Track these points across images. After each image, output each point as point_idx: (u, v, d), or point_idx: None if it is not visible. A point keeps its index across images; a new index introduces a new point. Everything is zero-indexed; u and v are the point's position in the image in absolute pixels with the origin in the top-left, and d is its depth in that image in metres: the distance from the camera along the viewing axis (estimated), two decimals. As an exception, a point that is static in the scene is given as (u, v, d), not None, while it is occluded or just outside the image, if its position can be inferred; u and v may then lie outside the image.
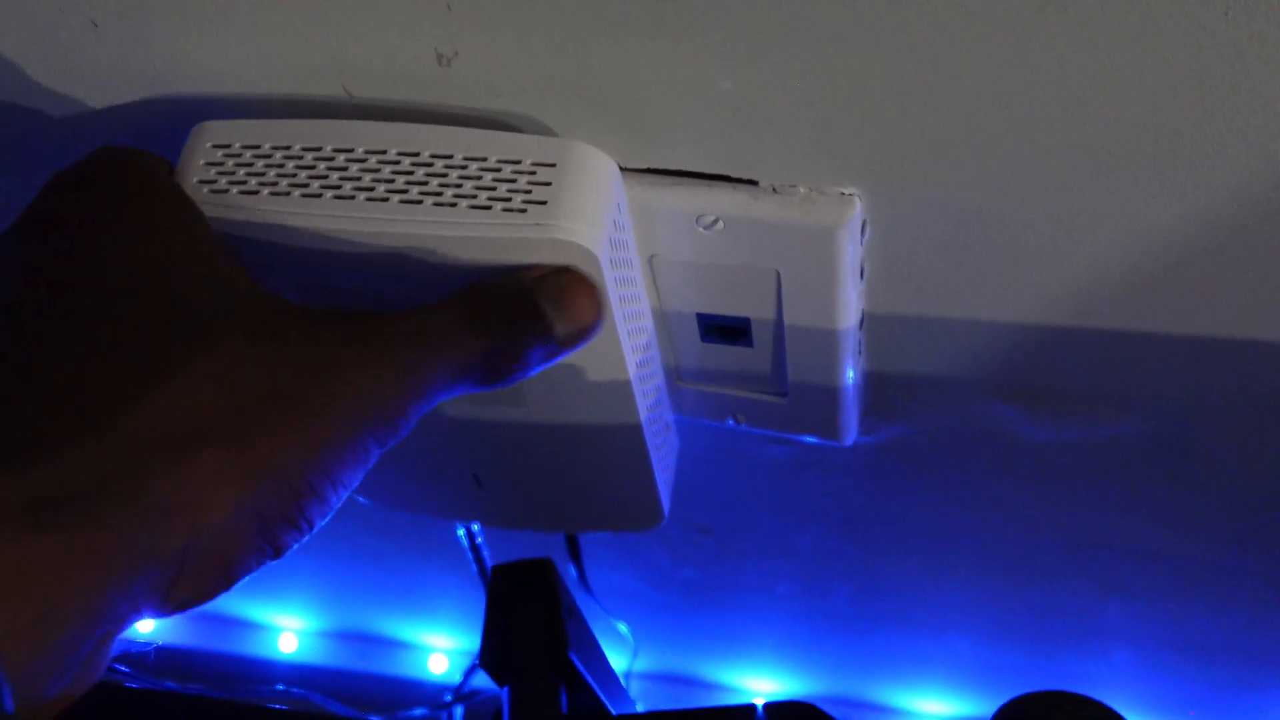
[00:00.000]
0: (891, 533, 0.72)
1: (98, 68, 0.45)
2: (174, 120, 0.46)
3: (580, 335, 0.40)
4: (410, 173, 0.42)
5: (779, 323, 0.51)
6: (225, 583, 0.31)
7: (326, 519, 0.33)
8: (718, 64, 0.40)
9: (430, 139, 0.42)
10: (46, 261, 0.33)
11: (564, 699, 0.33)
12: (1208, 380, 0.51)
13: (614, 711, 0.35)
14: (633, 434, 0.51)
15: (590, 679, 0.34)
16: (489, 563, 0.75)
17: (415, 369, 0.34)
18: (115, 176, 0.36)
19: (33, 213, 0.34)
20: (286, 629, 1.14)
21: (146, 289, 0.33)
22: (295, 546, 0.33)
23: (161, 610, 0.31)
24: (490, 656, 0.35)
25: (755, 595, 0.87)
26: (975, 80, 0.38)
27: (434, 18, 0.41)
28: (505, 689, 0.34)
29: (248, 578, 0.32)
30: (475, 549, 0.70)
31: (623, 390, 0.48)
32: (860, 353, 0.53)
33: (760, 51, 0.39)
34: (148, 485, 0.29)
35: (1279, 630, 0.73)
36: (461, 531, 0.72)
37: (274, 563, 0.33)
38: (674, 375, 0.57)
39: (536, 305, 0.38)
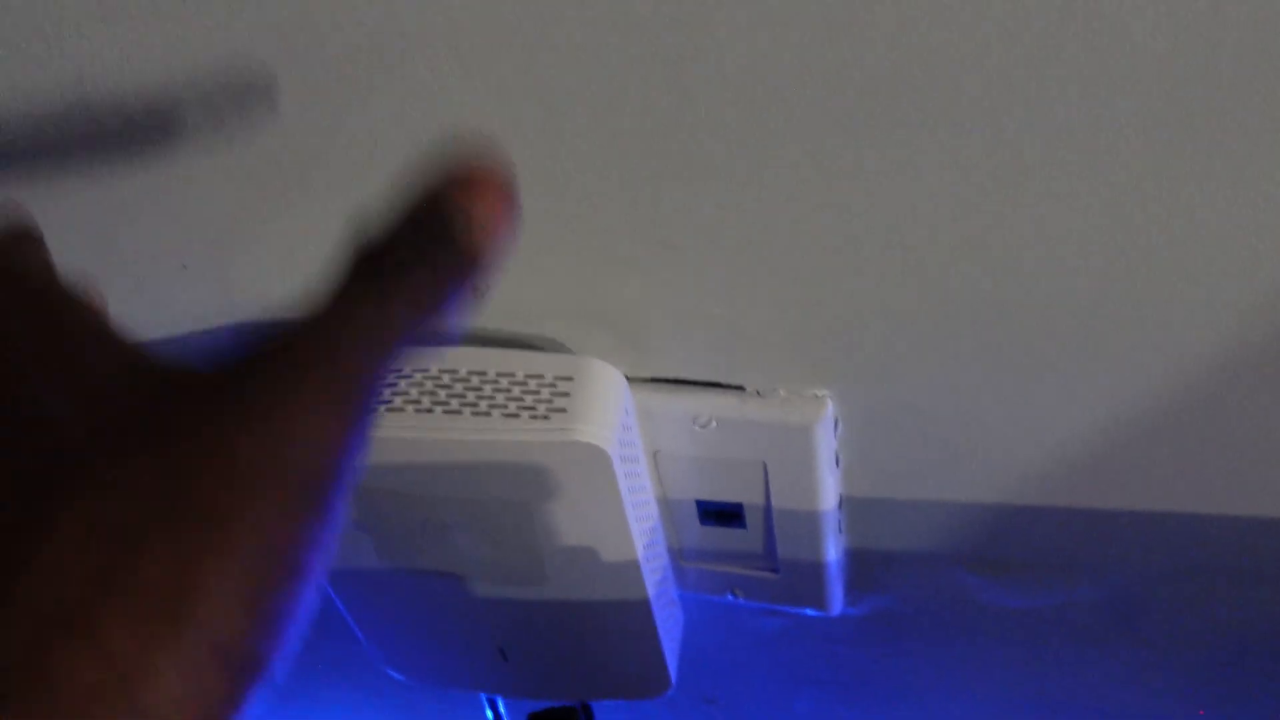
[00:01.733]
0: (881, 695, 0.77)
1: (186, 301, 0.53)
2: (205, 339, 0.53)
3: (498, 222, 0.30)
4: (450, 387, 0.49)
5: (768, 507, 0.58)
6: None
7: (311, 599, 0.27)
8: (707, 294, 0.48)
9: (467, 359, 0.50)
10: None
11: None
12: (1150, 549, 0.57)
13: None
14: (642, 609, 0.58)
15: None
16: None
17: (330, 386, 0.27)
18: None
19: None
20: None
21: (17, 428, 0.26)
22: (289, 646, 0.27)
23: None
24: None
25: (759, 761, 0.92)
26: (926, 300, 0.46)
27: (470, 259, 0.49)
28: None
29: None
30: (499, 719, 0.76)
31: (632, 570, 0.55)
32: (841, 531, 0.60)
33: (741, 284, 0.47)
34: (58, 678, 0.23)
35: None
36: (488, 711, 0.78)
37: None
38: (677, 555, 0.64)
39: (433, 227, 0.29)
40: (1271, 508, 0.53)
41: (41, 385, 0.27)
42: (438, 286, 0.28)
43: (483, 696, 0.77)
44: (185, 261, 0.52)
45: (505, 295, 0.50)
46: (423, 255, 0.29)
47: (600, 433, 0.48)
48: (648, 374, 0.53)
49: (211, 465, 0.25)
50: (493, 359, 0.50)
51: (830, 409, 0.52)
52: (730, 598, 0.65)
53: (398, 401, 0.49)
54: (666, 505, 0.60)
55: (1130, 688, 0.70)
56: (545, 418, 0.48)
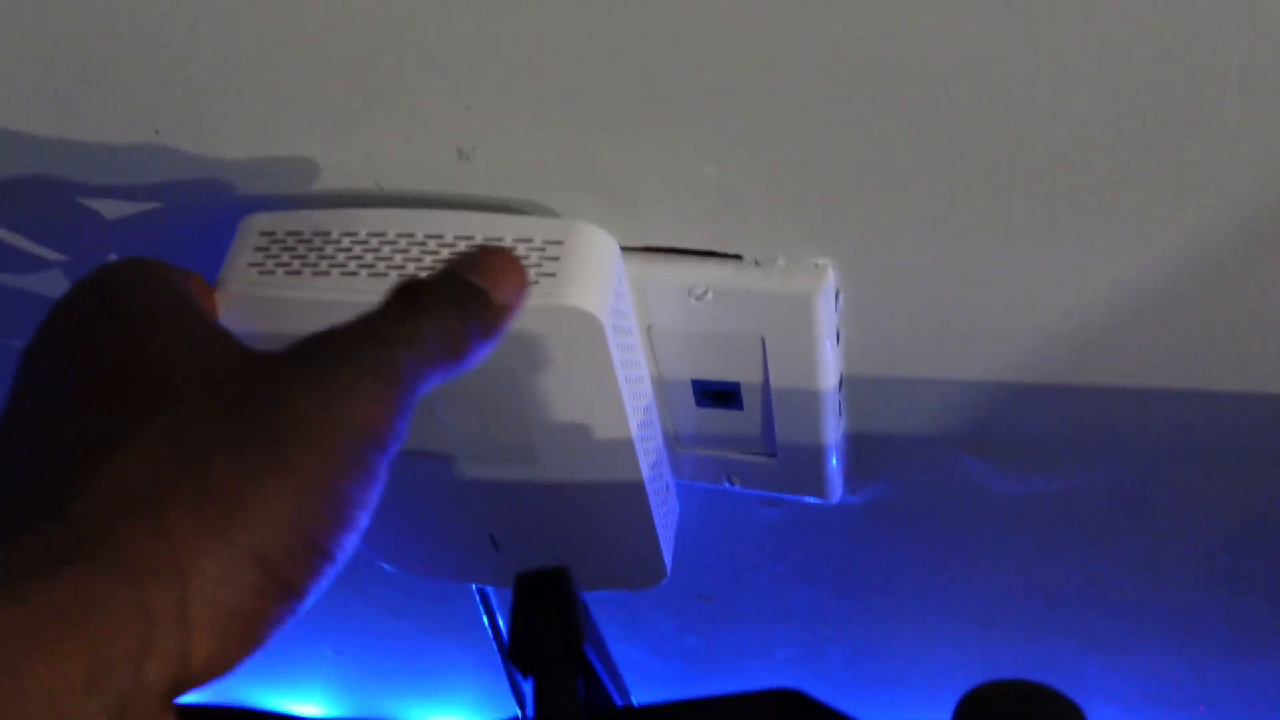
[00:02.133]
0: (880, 590, 0.76)
1: (158, 169, 0.51)
2: (227, 213, 0.51)
3: (515, 299, 0.39)
4: (436, 253, 0.47)
5: (766, 386, 0.56)
6: (247, 637, 0.30)
7: (348, 544, 0.32)
8: (701, 153, 0.46)
9: (453, 223, 0.48)
10: (44, 359, 0.35)
11: (580, 688, 0.38)
12: (1155, 431, 0.56)
13: (619, 703, 0.40)
14: (636, 491, 0.56)
15: (602, 671, 0.39)
16: (504, 633, 0.80)
17: (380, 367, 0.33)
18: (112, 284, 0.37)
19: (44, 325, 0.36)
20: (306, 717, 1.17)
21: (114, 367, 0.33)
22: (321, 582, 0.32)
23: (188, 678, 0.29)
24: (516, 650, 0.40)
25: (756, 661, 0.91)
26: (928, 162, 0.44)
27: (455, 119, 0.47)
28: (530, 679, 0.38)
29: (275, 638, 0.31)
30: (490, 613, 0.75)
31: (626, 449, 0.53)
32: (841, 413, 0.58)
33: (737, 142, 0.45)
34: (117, 548, 0.28)
35: (1247, 679, 0.77)
36: (480, 603, 0.77)
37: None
38: (673, 441, 0.62)
39: (468, 281, 0.38)
40: (1275, 384, 0.51)
41: (166, 342, 0.34)
42: (459, 333, 0.36)
43: (474, 588, 0.76)
44: (156, 126, 0.50)
45: (492, 159, 0.48)
46: (454, 306, 0.36)
47: (591, 298, 0.46)
48: (641, 242, 0.51)
49: (279, 410, 0.31)
50: (479, 223, 0.48)
51: (831, 278, 0.50)
52: (727, 484, 0.64)
53: (380, 267, 0.47)
54: (661, 385, 0.58)
55: (1134, 576, 0.69)
56: (534, 282, 0.46)
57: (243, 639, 0.30)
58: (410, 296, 0.37)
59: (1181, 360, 0.51)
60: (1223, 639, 0.73)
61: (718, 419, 0.60)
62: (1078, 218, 0.45)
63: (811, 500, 0.64)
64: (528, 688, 0.38)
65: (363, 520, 0.32)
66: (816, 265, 0.50)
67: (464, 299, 0.37)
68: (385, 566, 0.67)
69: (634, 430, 0.53)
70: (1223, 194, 0.42)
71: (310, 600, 0.32)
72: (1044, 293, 0.49)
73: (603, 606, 0.82)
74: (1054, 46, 0.38)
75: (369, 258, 0.48)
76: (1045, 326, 0.51)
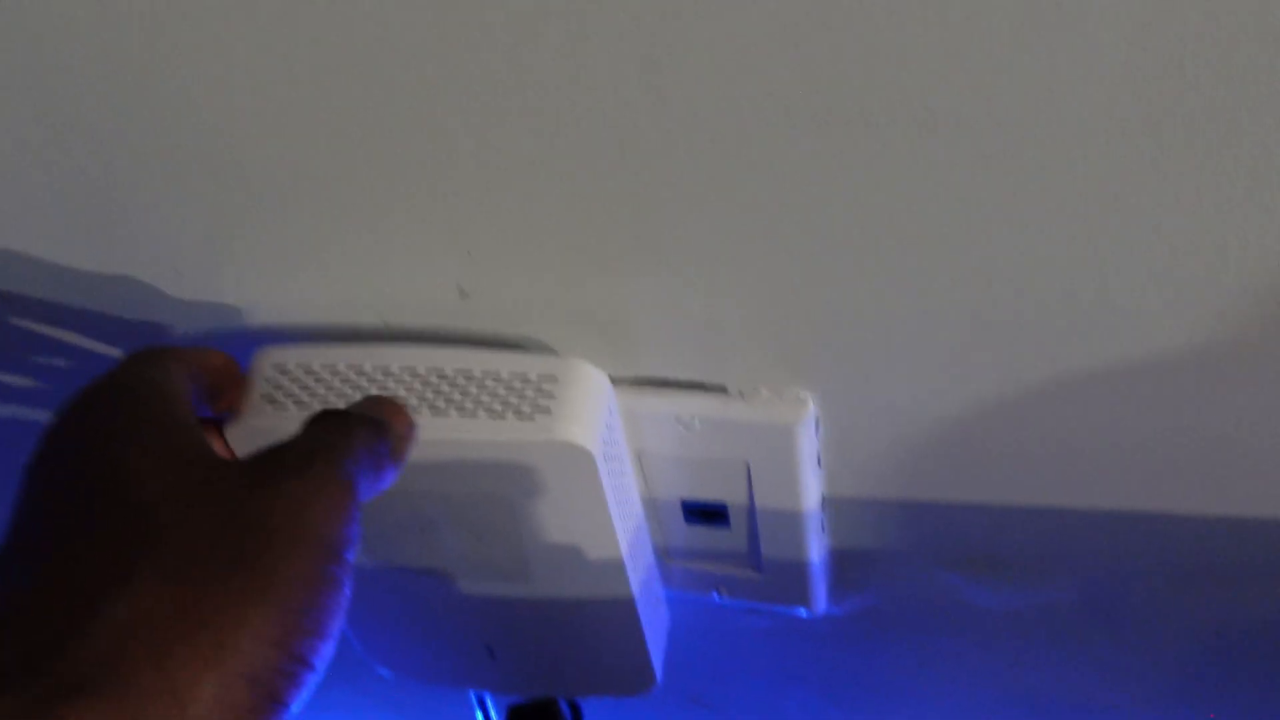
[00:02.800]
0: (868, 695, 0.78)
1: (178, 304, 0.54)
2: (243, 343, 0.54)
3: (410, 430, 0.43)
4: (436, 386, 0.50)
5: (751, 507, 0.58)
6: None
7: (327, 652, 0.35)
8: (687, 294, 0.49)
9: (453, 359, 0.51)
10: (40, 480, 0.37)
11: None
12: (1125, 548, 0.58)
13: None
14: (626, 606, 0.58)
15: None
16: (499, 733, 0.81)
17: (344, 483, 0.37)
18: (99, 403, 0.39)
19: (41, 442, 0.38)
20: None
21: (103, 496, 0.35)
22: (304, 692, 0.34)
23: None
24: None
25: (748, 762, 0.93)
26: (900, 304, 0.47)
27: (457, 261, 0.50)
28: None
29: None
30: (487, 716, 0.77)
31: (616, 568, 0.56)
32: (824, 531, 0.61)
33: (722, 283, 0.48)
34: (128, 684, 0.30)
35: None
36: (477, 709, 0.79)
37: None
38: (663, 554, 0.65)
39: (370, 416, 0.42)
40: (1242, 508, 0.54)
41: (146, 464, 0.36)
42: (379, 452, 0.40)
43: (471, 694, 0.78)
44: (178, 267, 0.53)
45: (490, 297, 0.51)
46: (372, 430, 0.41)
47: (584, 432, 0.49)
48: (632, 375, 0.54)
49: (256, 533, 0.34)
50: (478, 359, 0.51)
51: (812, 409, 0.53)
52: (715, 597, 0.66)
53: (385, 401, 0.50)
54: (652, 504, 0.61)
55: (1113, 687, 0.71)
56: (530, 418, 0.49)
57: None
58: (337, 420, 0.40)
59: (1146, 482, 0.54)
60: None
61: (705, 536, 0.62)
62: (1047, 351, 0.48)
63: (798, 611, 0.66)
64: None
65: (336, 628, 0.35)
66: (798, 396, 0.53)
67: (375, 426, 0.41)
68: (384, 672, 0.70)
69: (624, 549, 0.55)
70: (1178, 330, 0.45)
71: (295, 709, 0.34)
72: (1016, 420, 0.52)
73: (599, 710, 0.83)
74: (1015, 217, 0.42)
75: (373, 390, 0.50)
76: (1016, 449, 0.53)
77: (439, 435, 0.49)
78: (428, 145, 0.45)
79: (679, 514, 0.61)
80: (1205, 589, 0.61)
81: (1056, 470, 0.54)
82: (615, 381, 0.53)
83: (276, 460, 0.37)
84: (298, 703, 0.34)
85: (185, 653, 0.31)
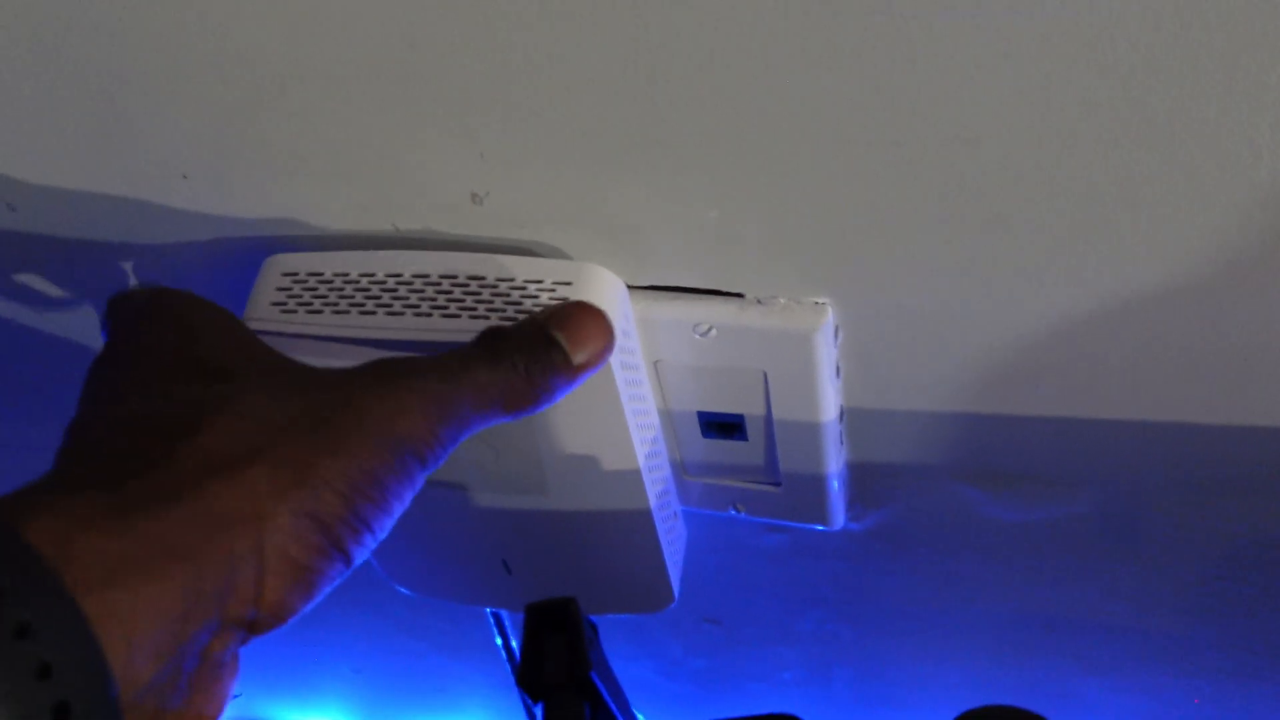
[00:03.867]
0: (883, 614, 0.78)
1: (186, 211, 0.54)
2: (252, 253, 0.54)
3: (594, 358, 0.44)
4: (450, 292, 0.50)
5: (769, 418, 0.58)
6: (305, 587, 0.34)
7: (384, 526, 0.37)
8: (704, 197, 0.48)
9: (466, 264, 0.50)
10: (126, 353, 0.40)
11: (588, 713, 0.40)
12: (1145, 461, 0.58)
13: (626, 726, 0.42)
14: (644, 519, 0.58)
15: (608, 697, 0.41)
16: (516, 654, 0.81)
17: (438, 398, 0.38)
18: (169, 303, 0.42)
19: (117, 331, 0.41)
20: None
21: (193, 356, 0.39)
22: (362, 552, 0.36)
23: (255, 621, 0.34)
24: (526, 677, 0.42)
25: (762, 684, 0.93)
26: (919, 206, 0.46)
27: (469, 165, 0.49)
28: (539, 705, 0.40)
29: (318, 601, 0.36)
30: (504, 634, 0.77)
31: (634, 479, 0.55)
32: (843, 444, 0.60)
33: (737, 186, 0.47)
34: (210, 498, 0.32)
35: (1238, 700, 0.79)
36: (494, 625, 0.79)
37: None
38: (680, 470, 0.64)
39: (549, 336, 0.42)
40: (1257, 417, 0.53)
41: (225, 354, 0.39)
42: (526, 387, 0.41)
43: (488, 612, 0.78)
44: (185, 171, 0.52)
45: (504, 202, 0.50)
46: (529, 359, 0.41)
47: (599, 336, 0.48)
48: (647, 282, 0.53)
49: (344, 409, 0.36)
50: (491, 264, 0.50)
51: (830, 316, 0.52)
52: (733, 513, 0.66)
53: (397, 306, 0.49)
54: (668, 416, 0.60)
55: (1128, 601, 0.70)
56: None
57: (303, 591, 0.35)
58: (491, 343, 0.42)
59: (1166, 393, 0.53)
60: (1213, 662, 0.75)
61: (723, 449, 0.62)
62: (1061, 253, 0.47)
63: (815, 528, 0.66)
64: (538, 712, 0.40)
65: (397, 511, 0.37)
66: (816, 304, 0.52)
67: (541, 353, 0.42)
68: (402, 589, 0.70)
69: (641, 461, 0.55)
70: (1198, 233, 0.44)
71: (351, 568, 0.36)
72: (1033, 326, 0.51)
73: (612, 629, 0.84)
74: (1030, 106, 0.41)
75: (386, 297, 0.50)
76: (1036, 359, 0.53)
77: (451, 339, 0.48)
78: (439, 44, 0.44)
79: (696, 426, 0.60)
80: (1220, 504, 0.60)
81: (1077, 381, 0.54)
82: (631, 289, 0.53)
83: (384, 370, 0.39)
84: (355, 561, 0.36)
85: (266, 483, 0.34)
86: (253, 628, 0.34)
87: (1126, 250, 0.46)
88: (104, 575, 0.29)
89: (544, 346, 0.42)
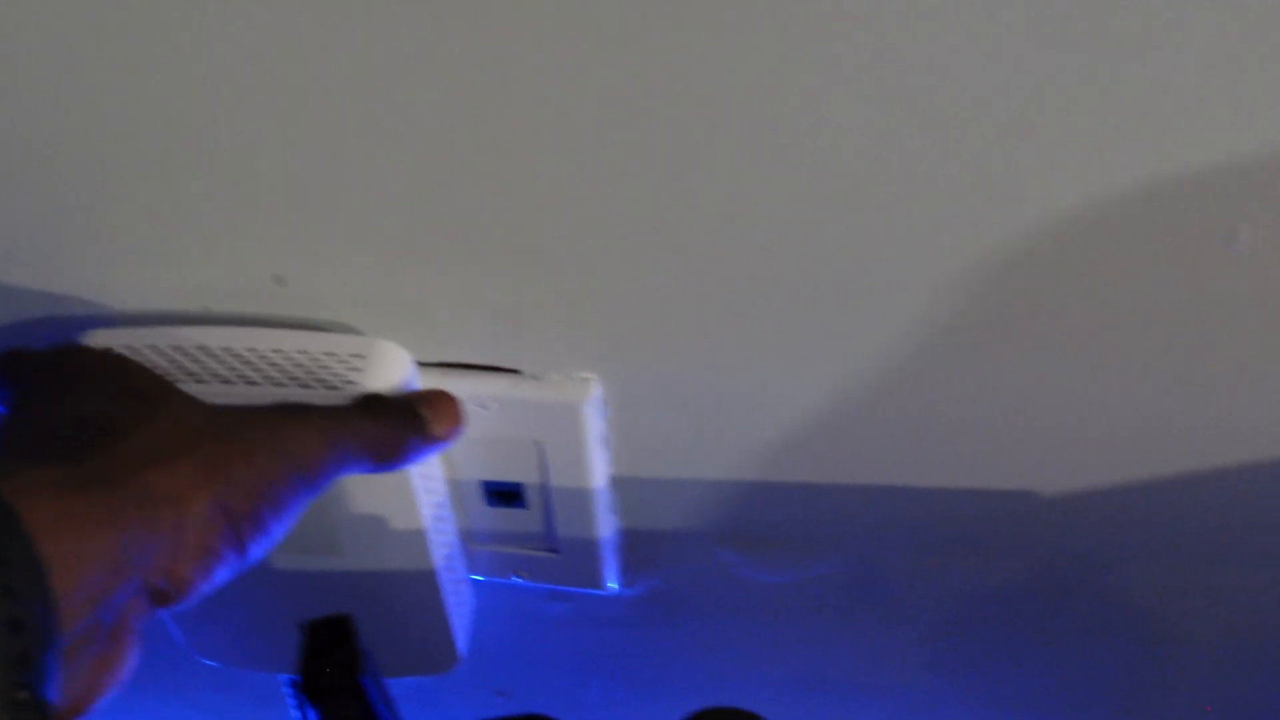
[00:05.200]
0: (664, 680, 0.84)
1: (10, 291, 0.58)
2: (69, 331, 0.58)
3: (449, 433, 0.54)
4: (253, 364, 0.55)
5: (546, 487, 0.64)
6: (207, 568, 0.41)
7: (274, 532, 0.45)
8: (484, 283, 0.54)
9: (268, 338, 0.56)
10: (63, 388, 0.46)
11: (359, 715, 0.45)
12: (880, 523, 0.65)
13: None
14: (429, 581, 0.63)
15: (377, 702, 0.46)
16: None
17: (328, 434, 0.47)
18: (78, 353, 0.50)
19: (32, 375, 0.47)
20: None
21: (118, 389, 0.45)
22: (258, 549, 0.44)
23: (164, 591, 0.40)
24: (304, 683, 0.47)
25: (553, 757, 0.97)
26: (676, 292, 0.53)
27: (272, 251, 0.55)
28: (316, 708, 0.45)
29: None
30: (302, 705, 0.80)
31: (419, 542, 0.61)
32: (614, 511, 0.67)
33: (513, 272, 0.54)
34: (143, 482, 0.39)
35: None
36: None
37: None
38: (467, 538, 0.70)
39: (416, 409, 0.53)
40: (975, 480, 0.62)
41: (145, 383, 0.47)
42: (393, 442, 0.51)
43: (284, 682, 0.81)
44: (10, 253, 0.56)
45: (306, 285, 0.56)
46: (398, 421, 0.52)
47: (387, 403, 0.54)
48: (435, 358, 0.59)
49: (257, 428, 0.45)
50: (290, 338, 0.55)
51: (597, 390, 0.59)
52: (515, 579, 0.71)
53: (203, 375, 0.54)
54: (455, 486, 0.66)
55: (878, 661, 0.78)
56: (337, 389, 0.54)
57: (204, 570, 0.41)
58: (371, 403, 0.52)
59: (895, 459, 0.61)
60: (957, 715, 0.83)
61: (505, 517, 0.67)
62: (800, 335, 0.55)
63: (592, 592, 0.72)
64: (312, 716, 0.45)
65: (286, 522, 0.45)
66: (584, 378, 0.59)
67: (410, 419, 0.52)
68: (206, 662, 0.73)
69: (427, 525, 0.60)
70: (906, 316, 0.53)
71: (243, 563, 0.44)
72: (777, 399, 0.59)
73: (408, 704, 0.87)
74: (763, 209, 0.49)
75: (193, 367, 0.55)
76: (780, 428, 0.60)
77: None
78: (238, 141, 0.50)
79: (480, 495, 0.66)
80: (946, 561, 0.68)
81: (819, 450, 0.61)
82: (420, 365, 0.59)
83: (281, 408, 0.48)
84: (251, 554, 0.44)
85: (189, 475, 0.41)
86: (159, 598, 0.40)
87: (851, 334, 0.54)
88: (56, 526, 0.35)
89: (412, 415, 0.52)
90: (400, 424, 0.51)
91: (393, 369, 0.55)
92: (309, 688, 0.46)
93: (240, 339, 0.56)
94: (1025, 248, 0.49)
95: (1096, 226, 0.48)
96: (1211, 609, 0.72)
